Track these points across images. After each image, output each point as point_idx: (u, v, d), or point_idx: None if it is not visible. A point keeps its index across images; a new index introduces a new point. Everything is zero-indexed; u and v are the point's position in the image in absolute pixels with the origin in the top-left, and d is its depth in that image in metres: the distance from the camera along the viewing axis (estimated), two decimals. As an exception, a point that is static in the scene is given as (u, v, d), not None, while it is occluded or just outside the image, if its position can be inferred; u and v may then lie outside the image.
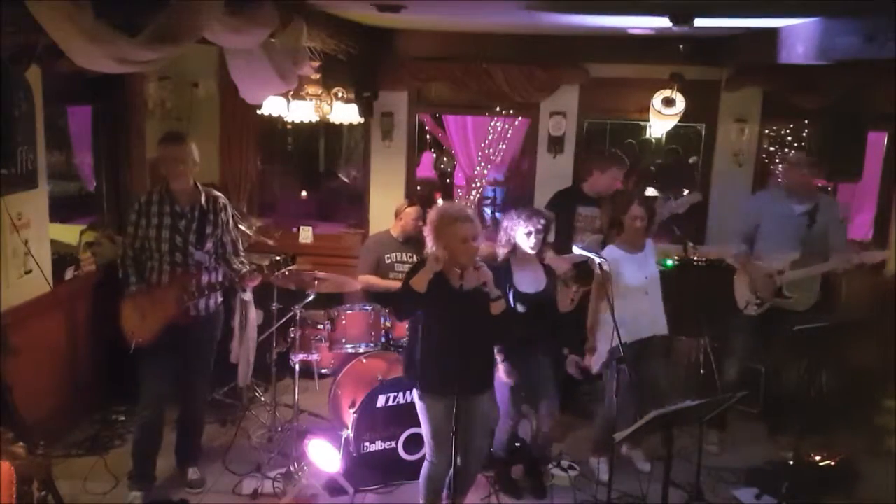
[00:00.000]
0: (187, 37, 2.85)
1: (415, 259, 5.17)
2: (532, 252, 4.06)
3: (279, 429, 4.75)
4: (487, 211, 8.61)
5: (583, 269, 4.64)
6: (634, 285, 4.24)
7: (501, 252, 4.10)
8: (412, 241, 5.24)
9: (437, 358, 3.45)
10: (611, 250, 4.32)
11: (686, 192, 5.91)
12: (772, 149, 6.23)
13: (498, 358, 3.92)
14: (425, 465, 3.65)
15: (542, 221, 4.03)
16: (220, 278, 4.05)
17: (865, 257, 4.56)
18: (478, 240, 3.45)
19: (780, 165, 4.86)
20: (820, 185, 6.24)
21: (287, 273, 4.27)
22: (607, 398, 4.31)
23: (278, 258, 4.02)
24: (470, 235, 3.40)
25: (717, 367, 4.36)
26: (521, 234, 4.02)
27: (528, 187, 6.44)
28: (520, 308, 4.03)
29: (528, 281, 4.09)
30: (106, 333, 4.16)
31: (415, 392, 3.61)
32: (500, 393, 4.12)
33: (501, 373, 3.96)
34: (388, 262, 5.26)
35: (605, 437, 4.10)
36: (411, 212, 5.27)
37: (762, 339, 4.89)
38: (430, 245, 3.49)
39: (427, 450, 3.63)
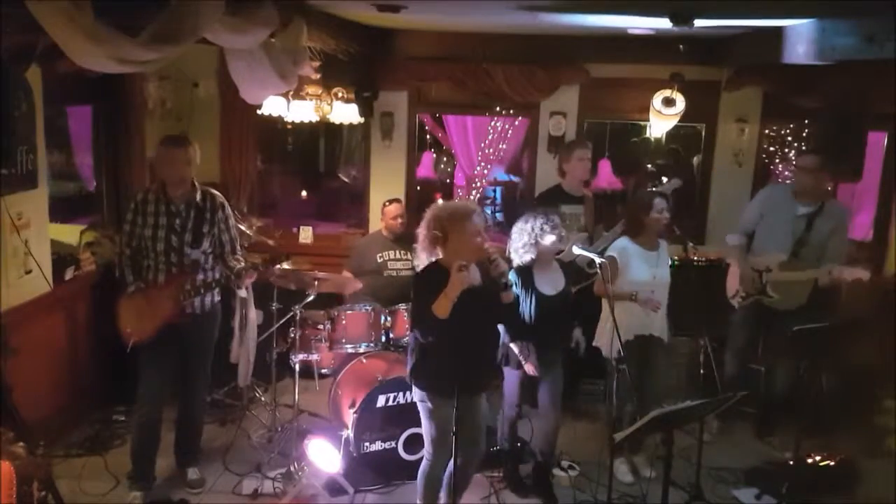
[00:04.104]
0: (187, 37, 2.85)
1: (408, 256, 5.16)
2: (558, 247, 3.98)
3: (279, 429, 4.76)
4: (488, 211, 8.60)
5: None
6: (640, 282, 4.22)
7: (527, 258, 3.98)
8: (403, 238, 5.23)
9: (448, 360, 3.34)
10: (623, 243, 4.31)
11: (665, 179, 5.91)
12: (772, 149, 6.22)
13: (516, 350, 3.93)
14: (424, 464, 3.63)
15: (558, 219, 3.99)
16: (217, 277, 4.05)
17: (845, 273, 4.41)
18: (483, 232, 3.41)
19: (792, 167, 4.83)
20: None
21: (282, 270, 4.27)
22: (618, 398, 4.28)
23: (274, 256, 4.03)
24: (481, 229, 3.38)
25: (717, 367, 4.35)
26: (548, 235, 3.92)
27: (527, 187, 6.44)
28: (536, 310, 3.98)
29: (548, 283, 4.05)
30: (106, 333, 4.16)
31: (417, 393, 3.55)
32: (508, 383, 4.10)
33: (528, 368, 3.95)
34: (380, 260, 5.27)
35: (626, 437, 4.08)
36: (391, 209, 5.33)
37: (752, 336, 5.00)
38: (424, 242, 3.43)
39: (428, 449, 3.60)
